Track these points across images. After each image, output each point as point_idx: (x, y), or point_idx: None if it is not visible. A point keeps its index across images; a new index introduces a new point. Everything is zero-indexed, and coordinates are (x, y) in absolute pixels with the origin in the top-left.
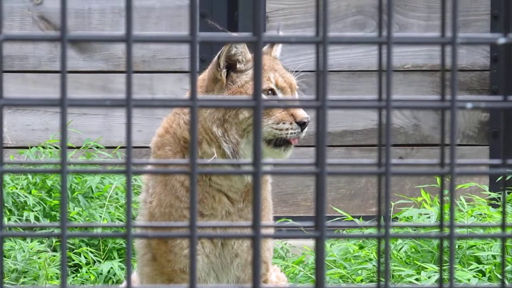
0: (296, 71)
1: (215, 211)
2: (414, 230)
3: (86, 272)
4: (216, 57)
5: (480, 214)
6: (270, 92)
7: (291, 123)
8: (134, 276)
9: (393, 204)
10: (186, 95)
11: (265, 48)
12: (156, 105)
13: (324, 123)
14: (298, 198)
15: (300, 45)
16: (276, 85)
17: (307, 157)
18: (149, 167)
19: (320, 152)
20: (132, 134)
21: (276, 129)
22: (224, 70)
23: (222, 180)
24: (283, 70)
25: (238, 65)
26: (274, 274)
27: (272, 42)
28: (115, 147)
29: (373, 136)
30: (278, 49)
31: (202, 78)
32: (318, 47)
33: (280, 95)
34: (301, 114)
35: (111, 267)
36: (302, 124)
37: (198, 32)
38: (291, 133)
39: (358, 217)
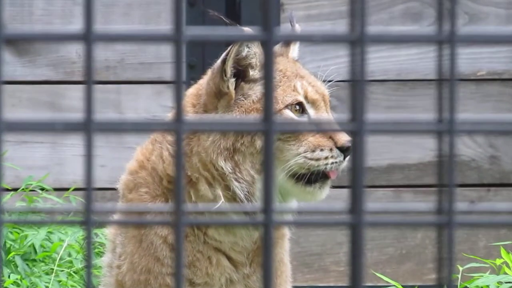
0: (324, 81)
1: (211, 279)
2: None
3: None
4: (220, 61)
5: None
6: (298, 106)
7: (331, 149)
8: None
9: (461, 268)
10: (170, 115)
11: (278, 48)
12: (126, 129)
13: (363, 154)
14: (326, 261)
15: (328, 45)
16: (306, 97)
17: (339, 201)
18: (117, 217)
19: (357, 194)
20: (93, 170)
21: (312, 158)
22: (232, 80)
23: (222, 234)
24: (312, 76)
25: (250, 72)
26: None
27: (289, 41)
28: (67, 189)
29: (432, 173)
30: (295, 48)
31: (195, 92)
32: (353, 48)
33: (311, 111)
34: (342, 136)
35: None
36: (345, 150)
37: (185, 27)
38: (332, 163)
39: (412, 287)
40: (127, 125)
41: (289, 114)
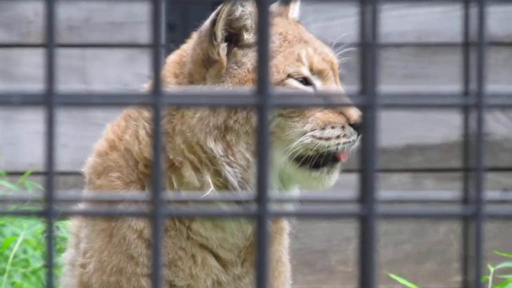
0: (329, 45)
1: (195, 281)
2: None
3: None
4: (208, 23)
5: None
6: (302, 79)
7: (343, 127)
8: None
9: (492, 268)
10: (146, 86)
11: (275, 7)
12: (94, 102)
13: (375, 133)
14: (331, 260)
15: (334, 2)
16: (311, 68)
17: (347, 189)
18: (82, 206)
19: (368, 180)
20: (54, 151)
21: (321, 138)
22: (224, 45)
23: (209, 229)
24: (317, 41)
25: (244, 36)
26: None
27: None
28: (22, 173)
29: (458, 155)
30: (295, 7)
31: (177, 60)
32: (363, 5)
33: (317, 83)
34: (355, 111)
35: None
36: (358, 127)
37: None
38: (344, 143)
39: None
40: (95, 98)
41: (293, 83)
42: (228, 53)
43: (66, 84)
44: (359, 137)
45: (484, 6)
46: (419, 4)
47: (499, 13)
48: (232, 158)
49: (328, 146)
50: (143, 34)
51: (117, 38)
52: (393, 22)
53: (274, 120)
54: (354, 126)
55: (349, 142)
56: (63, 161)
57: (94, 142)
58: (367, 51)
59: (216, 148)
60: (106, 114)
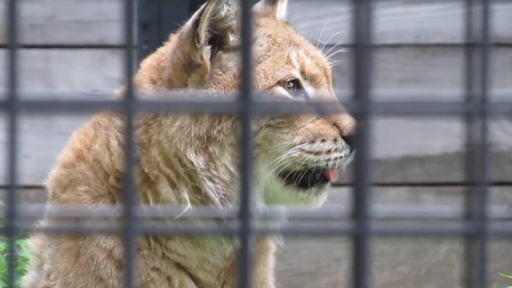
0: (319, 45)
1: None
2: None
3: None
4: (190, 23)
5: None
6: (293, 84)
7: (335, 140)
8: None
9: None
10: (118, 91)
11: (261, 7)
12: (61, 108)
13: (369, 143)
14: (320, 283)
15: None
16: (302, 71)
17: (338, 204)
18: (45, 223)
19: (362, 194)
20: (17, 162)
21: (310, 152)
22: (207, 48)
23: (188, 248)
24: (309, 44)
25: (230, 38)
26: None
27: None
28: None
29: (460, 167)
30: (283, 7)
31: (154, 64)
32: (357, 2)
33: (309, 89)
34: (350, 122)
35: None
36: (352, 141)
37: None
38: (335, 158)
39: None
40: (62, 104)
41: (282, 92)
42: (212, 57)
43: (29, 88)
44: (353, 151)
45: (488, 3)
46: (417, 2)
47: (505, 11)
48: (214, 172)
49: (317, 161)
50: (113, 34)
51: (84, 38)
52: (390, 21)
53: (261, 132)
54: (347, 139)
55: (341, 157)
56: (24, 173)
57: (59, 152)
58: (361, 53)
59: (197, 160)
60: (72, 122)
